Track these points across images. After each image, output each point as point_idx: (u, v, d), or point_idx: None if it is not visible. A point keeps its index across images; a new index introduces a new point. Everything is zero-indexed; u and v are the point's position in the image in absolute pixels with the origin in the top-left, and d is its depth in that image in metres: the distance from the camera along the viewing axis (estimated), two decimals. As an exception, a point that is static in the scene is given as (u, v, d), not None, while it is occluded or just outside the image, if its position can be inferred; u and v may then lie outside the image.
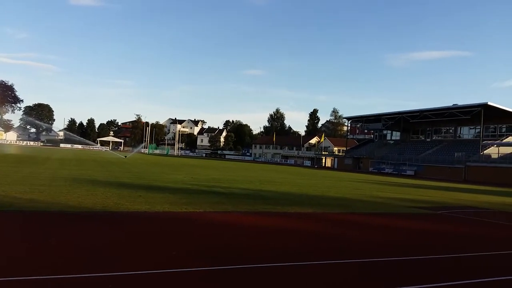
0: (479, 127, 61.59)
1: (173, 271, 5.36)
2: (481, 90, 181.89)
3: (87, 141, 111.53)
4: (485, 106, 57.16)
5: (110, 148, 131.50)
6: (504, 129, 63.14)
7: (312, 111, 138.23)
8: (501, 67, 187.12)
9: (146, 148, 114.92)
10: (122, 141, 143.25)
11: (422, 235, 9.78)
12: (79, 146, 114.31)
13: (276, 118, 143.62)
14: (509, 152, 56.58)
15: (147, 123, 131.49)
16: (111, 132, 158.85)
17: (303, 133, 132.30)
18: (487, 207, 17.83)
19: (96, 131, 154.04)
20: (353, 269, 6.16)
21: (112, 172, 24.54)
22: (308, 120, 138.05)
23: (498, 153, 56.74)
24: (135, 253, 6.23)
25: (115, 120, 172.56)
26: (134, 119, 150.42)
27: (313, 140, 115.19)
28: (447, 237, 9.88)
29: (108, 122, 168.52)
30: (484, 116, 58.49)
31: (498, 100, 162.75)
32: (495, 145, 57.91)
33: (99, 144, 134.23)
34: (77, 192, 13.10)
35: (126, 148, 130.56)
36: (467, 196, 24.06)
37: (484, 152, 58.36)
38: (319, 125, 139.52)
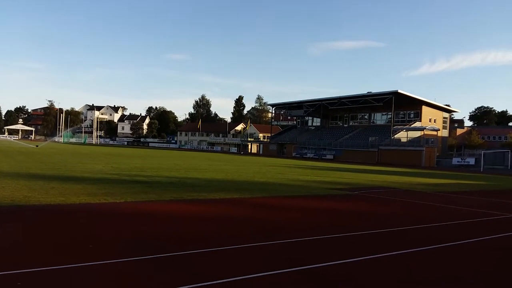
0: (391, 113, 66.68)
1: (88, 264, 5.10)
2: (392, 78, 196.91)
3: None
4: (395, 94, 61.84)
5: (20, 137, 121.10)
6: (412, 115, 68.97)
7: (237, 98, 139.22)
8: (409, 57, 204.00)
9: (62, 136, 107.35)
10: (33, 129, 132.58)
11: (338, 215, 10.42)
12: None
13: (202, 105, 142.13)
14: (416, 136, 62.13)
15: (61, 109, 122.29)
16: (20, 120, 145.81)
17: (229, 120, 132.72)
18: (396, 187, 19.46)
19: (3, 118, 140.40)
20: (278, 250, 6.38)
21: (22, 163, 22.58)
22: (234, 107, 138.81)
23: (407, 137, 61.98)
24: (47, 248, 5.83)
25: (25, 106, 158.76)
26: (46, 105, 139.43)
27: (239, 127, 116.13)
28: (360, 216, 10.64)
29: (16, 109, 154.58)
30: (395, 103, 63.32)
31: (407, 88, 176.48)
32: (404, 130, 63.14)
33: (6, 133, 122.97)
34: (-21, 185, 11.90)
35: (38, 137, 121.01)
36: (380, 177, 26.04)
37: (395, 136, 63.36)
38: (245, 111, 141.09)
